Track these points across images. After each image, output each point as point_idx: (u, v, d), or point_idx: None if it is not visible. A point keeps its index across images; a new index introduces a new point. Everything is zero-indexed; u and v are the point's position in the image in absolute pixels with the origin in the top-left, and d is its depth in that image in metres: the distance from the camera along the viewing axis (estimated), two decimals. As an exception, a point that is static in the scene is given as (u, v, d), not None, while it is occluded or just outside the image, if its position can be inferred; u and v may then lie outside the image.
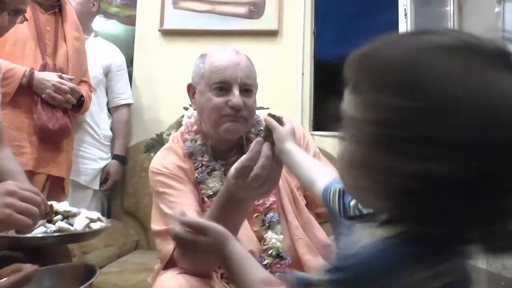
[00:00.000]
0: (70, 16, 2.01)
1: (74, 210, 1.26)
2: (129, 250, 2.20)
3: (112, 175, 2.38)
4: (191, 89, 1.31)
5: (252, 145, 0.93)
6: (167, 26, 2.68)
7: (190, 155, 1.27)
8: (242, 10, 2.66)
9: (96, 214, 1.32)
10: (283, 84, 2.62)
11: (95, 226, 1.27)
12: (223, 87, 1.20)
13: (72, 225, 1.22)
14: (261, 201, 1.23)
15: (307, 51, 2.66)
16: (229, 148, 1.30)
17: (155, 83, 2.69)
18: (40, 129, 1.79)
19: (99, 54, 2.39)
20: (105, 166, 2.37)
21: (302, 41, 2.64)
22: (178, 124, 2.45)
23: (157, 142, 2.45)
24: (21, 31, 1.76)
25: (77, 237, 1.29)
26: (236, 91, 1.20)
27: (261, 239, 1.24)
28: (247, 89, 1.23)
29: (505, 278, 2.18)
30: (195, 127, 1.32)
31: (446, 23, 3.08)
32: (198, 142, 1.28)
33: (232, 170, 0.93)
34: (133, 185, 2.41)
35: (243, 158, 0.93)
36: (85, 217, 1.27)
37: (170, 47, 2.70)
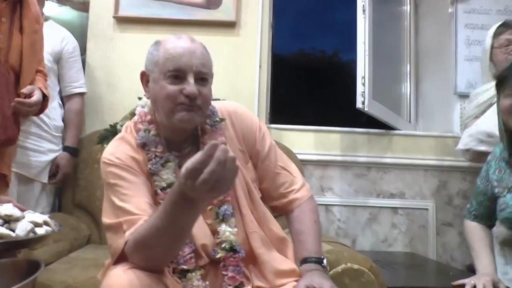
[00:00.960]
0: (32, 5, 1.82)
1: (17, 214, 1.18)
2: (80, 245, 2.13)
3: (62, 167, 2.28)
4: (144, 77, 1.27)
5: (206, 148, 0.88)
6: (122, 13, 2.60)
7: (143, 146, 1.23)
8: (199, -1, 2.61)
9: (42, 217, 1.25)
10: (240, 76, 2.61)
11: (40, 231, 1.21)
12: (178, 75, 1.17)
13: (13, 231, 1.15)
14: None
15: (265, 44, 2.65)
16: (183, 139, 1.28)
17: (109, 71, 2.61)
18: None
19: (49, 39, 2.25)
20: (55, 159, 2.28)
21: (260, 33, 2.63)
22: (132, 114, 2.39)
23: (111, 133, 2.37)
24: None
25: (18, 244, 1.20)
26: (191, 80, 1.17)
27: (214, 232, 1.23)
28: (202, 78, 1.20)
29: (453, 268, 2.27)
30: (148, 117, 1.28)
31: (403, 22, 3.15)
32: (152, 133, 1.24)
33: (183, 169, 0.89)
34: (85, 178, 2.33)
35: (195, 159, 0.88)
36: (29, 221, 1.19)
37: (125, 35, 2.63)
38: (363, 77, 2.39)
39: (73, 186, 2.35)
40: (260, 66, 2.62)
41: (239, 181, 1.26)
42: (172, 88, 1.17)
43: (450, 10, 2.91)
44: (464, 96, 2.77)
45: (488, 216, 1.67)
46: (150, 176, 1.21)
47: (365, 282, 1.42)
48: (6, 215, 1.16)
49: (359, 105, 2.39)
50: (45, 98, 1.84)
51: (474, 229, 1.69)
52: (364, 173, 2.67)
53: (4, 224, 1.16)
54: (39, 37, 1.89)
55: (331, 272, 1.36)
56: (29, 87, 1.76)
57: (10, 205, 1.22)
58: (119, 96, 2.57)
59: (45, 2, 2.38)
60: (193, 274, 1.17)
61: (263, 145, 1.34)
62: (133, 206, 1.14)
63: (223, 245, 1.20)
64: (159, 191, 1.20)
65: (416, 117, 3.07)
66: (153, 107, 1.26)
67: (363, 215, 2.65)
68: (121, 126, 2.34)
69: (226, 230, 1.21)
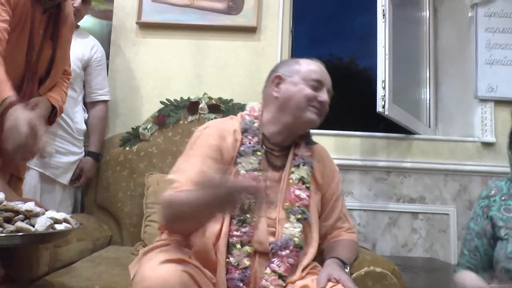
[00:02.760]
0: (69, 15, 1.77)
1: (37, 209, 1.21)
2: (102, 245, 2.17)
3: (85, 172, 2.34)
4: (276, 79, 1.46)
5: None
6: (144, 19, 2.65)
7: (244, 130, 1.42)
8: (220, 5, 2.65)
9: (62, 215, 1.27)
10: (261, 81, 2.61)
11: (60, 227, 1.23)
12: (317, 86, 1.41)
13: (33, 226, 1.17)
14: (297, 194, 1.39)
15: (285, 48, 2.67)
16: (279, 142, 1.45)
17: (132, 76, 2.65)
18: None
19: (80, 47, 2.33)
20: (77, 161, 2.32)
21: (280, 38, 2.65)
22: (154, 118, 2.43)
23: (133, 136, 2.42)
24: (14, 33, 1.53)
25: (37, 238, 1.23)
26: (325, 91, 1.42)
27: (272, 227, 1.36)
28: (329, 96, 1.44)
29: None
30: (256, 113, 1.47)
31: (422, 27, 3.15)
32: (255, 125, 1.43)
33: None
34: (106, 179, 2.37)
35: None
36: (49, 217, 1.22)
37: (147, 40, 2.68)
38: (383, 81, 2.39)
39: (95, 188, 2.39)
40: (280, 70, 2.64)
41: (313, 201, 1.43)
42: (311, 91, 1.40)
43: (470, 14, 2.90)
44: (484, 100, 2.75)
45: (487, 265, 1.38)
46: (236, 158, 1.38)
47: (388, 285, 1.42)
48: (26, 211, 1.19)
49: (379, 109, 2.39)
50: (54, 112, 1.77)
51: (469, 276, 1.39)
52: (384, 177, 2.66)
53: (25, 220, 1.19)
54: (70, 45, 1.88)
55: (354, 275, 1.37)
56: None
57: (32, 203, 1.25)
58: (140, 100, 2.61)
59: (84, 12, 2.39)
60: (243, 249, 1.29)
61: (338, 189, 1.54)
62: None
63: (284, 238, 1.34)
64: (243, 171, 1.35)
65: (435, 121, 3.05)
66: (277, 106, 1.43)
67: (383, 220, 2.64)
68: (144, 129, 2.39)
69: (292, 227, 1.36)
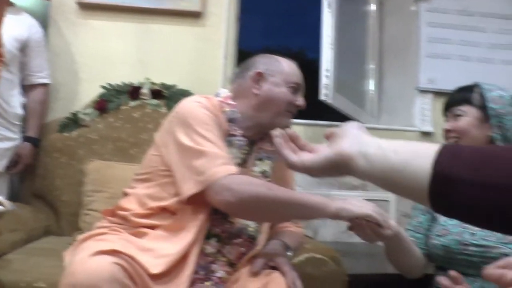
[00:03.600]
0: None
1: None
2: (38, 236, 2.07)
3: (23, 158, 2.22)
4: (258, 76, 1.43)
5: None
6: (85, -1, 2.54)
7: (231, 120, 1.38)
8: (165, -11, 2.58)
9: None
10: (205, 67, 2.60)
11: None
12: (296, 88, 1.43)
13: None
14: None
15: (231, 35, 2.64)
16: (248, 136, 1.42)
17: (72, 59, 2.54)
18: None
19: (16, 26, 2.18)
20: (13, 147, 2.21)
21: (226, 25, 2.62)
22: (95, 103, 2.35)
23: (72, 121, 2.32)
24: None
25: None
26: (301, 95, 1.45)
27: None
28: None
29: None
30: (232, 103, 1.42)
31: (368, 21, 3.21)
32: (239, 116, 1.40)
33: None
34: (44, 167, 2.26)
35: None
36: None
37: (89, 22, 2.57)
38: (327, 70, 2.42)
39: (31, 175, 2.28)
40: (226, 58, 2.61)
41: None
42: (291, 96, 1.42)
43: (413, 9, 2.97)
44: (424, 92, 2.84)
45: (425, 243, 1.51)
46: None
47: (327, 271, 1.45)
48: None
49: (322, 97, 2.42)
50: None
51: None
52: (327, 166, 2.69)
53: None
54: (2, 24, 1.75)
55: (294, 261, 1.39)
56: None
57: None
58: (80, 84, 2.51)
59: None
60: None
61: (292, 182, 1.59)
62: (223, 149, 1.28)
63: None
64: None
65: (379, 111, 3.13)
66: (255, 104, 1.41)
67: (326, 207, 2.68)
68: (84, 114, 2.30)
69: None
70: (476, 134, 1.49)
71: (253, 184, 1.21)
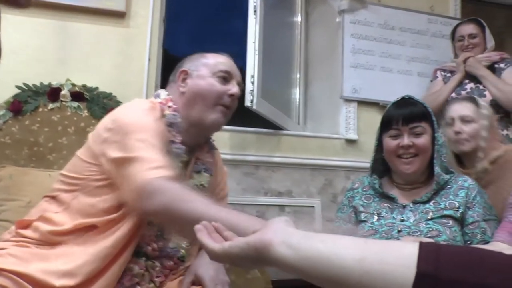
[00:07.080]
0: None
1: None
2: None
3: None
4: (182, 74, 1.36)
5: None
6: (-1, -7, 2.37)
7: (170, 125, 1.27)
8: (88, -14, 2.47)
9: None
10: (129, 69, 2.51)
11: None
12: (226, 77, 1.33)
13: None
14: None
15: (155, 37, 2.57)
16: (184, 142, 1.30)
17: (-18, 57, 2.36)
18: None
19: None
20: None
21: (150, 26, 2.55)
22: (9, 104, 2.19)
23: (-20, 124, 2.15)
24: None
25: None
26: (235, 84, 1.35)
27: None
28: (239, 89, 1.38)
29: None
30: (173, 105, 1.32)
31: (294, 31, 3.26)
32: (179, 120, 1.30)
33: None
34: None
35: None
36: None
37: (3, 16, 2.39)
38: (252, 76, 2.41)
39: None
40: (149, 60, 2.54)
41: None
42: (220, 87, 1.31)
43: (337, 20, 3.07)
44: (349, 101, 2.93)
45: None
46: None
47: (251, 279, 1.45)
48: None
49: (247, 103, 2.41)
50: None
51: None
52: (252, 172, 2.70)
53: None
54: None
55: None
56: None
57: None
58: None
59: None
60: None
61: (225, 191, 1.53)
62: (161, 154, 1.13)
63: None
64: None
65: (305, 119, 3.19)
66: (184, 103, 1.32)
67: (251, 213, 2.66)
68: (-5, 116, 2.14)
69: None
70: (430, 152, 1.57)
71: (168, 192, 1.03)
